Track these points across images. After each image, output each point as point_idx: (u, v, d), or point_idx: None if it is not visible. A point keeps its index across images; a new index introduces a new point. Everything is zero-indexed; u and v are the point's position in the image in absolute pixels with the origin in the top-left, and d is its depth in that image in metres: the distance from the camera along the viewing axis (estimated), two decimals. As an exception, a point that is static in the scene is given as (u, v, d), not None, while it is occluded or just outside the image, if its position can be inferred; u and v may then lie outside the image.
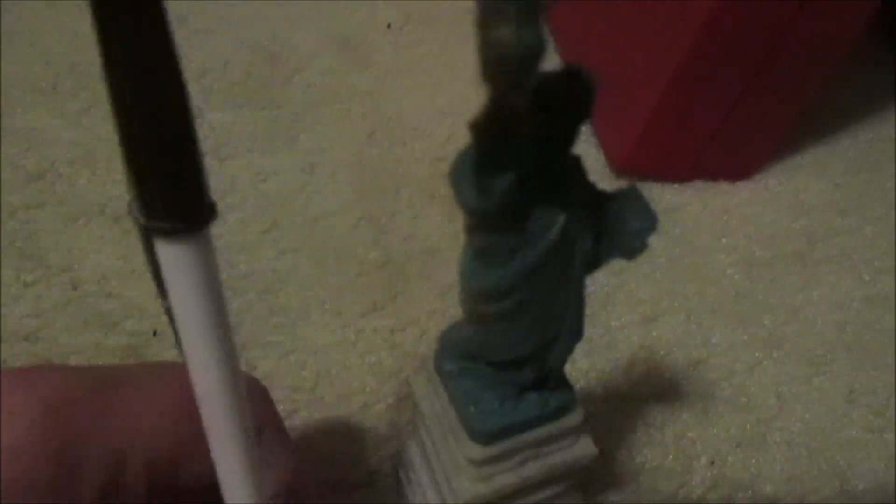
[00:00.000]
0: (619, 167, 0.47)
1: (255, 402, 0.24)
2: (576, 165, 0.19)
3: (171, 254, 0.15)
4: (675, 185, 0.48)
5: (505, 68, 0.13)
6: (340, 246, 0.42)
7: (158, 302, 0.39)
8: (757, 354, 0.41)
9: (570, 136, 0.17)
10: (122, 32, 0.12)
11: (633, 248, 0.20)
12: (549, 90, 0.16)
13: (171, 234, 0.14)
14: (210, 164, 0.45)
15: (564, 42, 0.55)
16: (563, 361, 0.23)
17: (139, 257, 0.41)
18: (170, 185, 0.14)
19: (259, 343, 0.38)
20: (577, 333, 0.22)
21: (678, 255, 0.44)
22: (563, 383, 0.25)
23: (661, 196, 0.47)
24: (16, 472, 0.17)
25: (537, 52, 0.13)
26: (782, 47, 0.42)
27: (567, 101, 0.16)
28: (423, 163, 0.47)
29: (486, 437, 0.24)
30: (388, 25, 0.56)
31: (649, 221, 0.19)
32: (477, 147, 0.16)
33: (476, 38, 0.13)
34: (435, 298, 0.41)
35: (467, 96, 0.52)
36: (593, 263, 0.20)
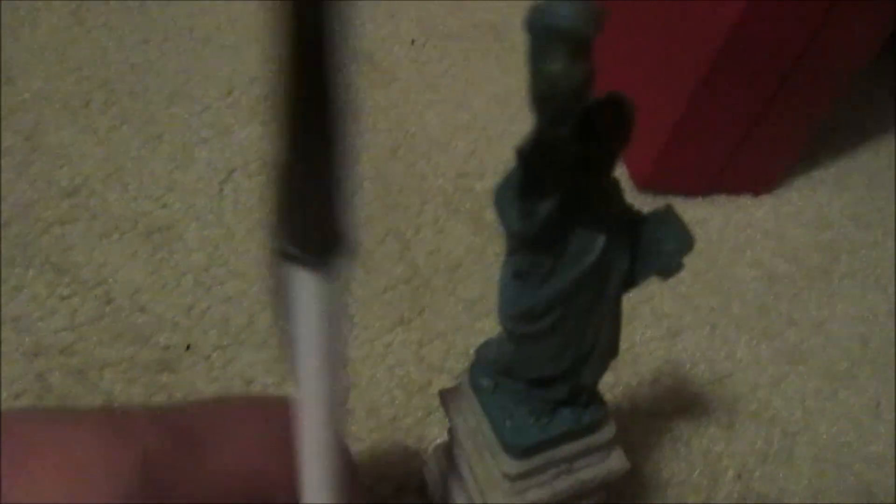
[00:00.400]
0: (641, 183, 0.48)
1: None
2: (614, 188, 0.19)
3: (306, 283, 0.15)
4: (698, 200, 0.49)
5: (554, 102, 0.14)
6: (367, 260, 0.43)
7: (189, 316, 0.40)
8: (782, 368, 0.41)
9: (610, 162, 0.18)
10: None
11: (668, 268, 0.20)
12: (591, 118, 0.16)
13: (310, 264, 0.14)
14: (239, 179, 0.46)
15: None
16: (598, 378, 0.23)
17: (170, 272, 0.42)
18: (319, 217, 0.14)
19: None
20: (612, 351, 0.22)
21: (702, 269, 0.44)
22: (596, 398, 0.25)
23: (683, 210, 0.47)
24: None
25: (586, 86, 0.14)
26: (803, 61, 0.42)
27: (608, 128, 0.17)
28: (447, 177, 0.48)
29: (521, 452, 0.24)
30: (412, 41, 0.56)
31: (685, 242, 0.20)
32: (522, 172, 0.16)
33: (528, 72, 0.14)
34: (460, 312, 0.41)
35: (489, 112, 0.53)
36: (629, 283, 0.21)
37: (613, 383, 0.39)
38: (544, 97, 0.14)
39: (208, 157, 0.47)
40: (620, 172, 0.50)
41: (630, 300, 0.42)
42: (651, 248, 0.20)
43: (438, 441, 0.35)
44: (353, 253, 0.15)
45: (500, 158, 0.49)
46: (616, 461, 0.27)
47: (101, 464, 0.17)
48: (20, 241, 0.41)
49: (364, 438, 0.36)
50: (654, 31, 0.47)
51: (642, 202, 0.48)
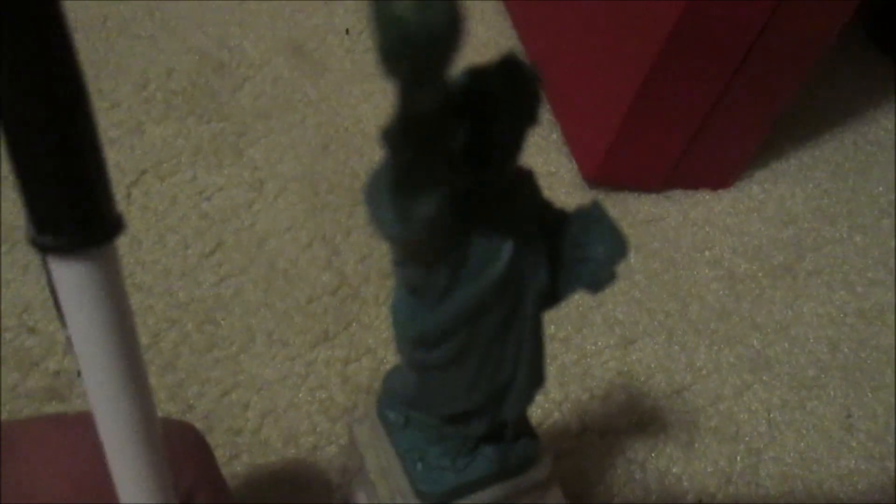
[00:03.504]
0: (591, 177, 0.44)
1: (189, 457, 0.21)
2: (526, 181, 0.15)
3: (64, 273, 0.13)
4: (653, 195, 0.45)
5: (408, 55, 0.10)
6: (290, 268, 0.39)
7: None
8: (745, 377, 0.37)
9: (514, 146, 0.14)
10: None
11: (598, 279, 0.16)
12: (482, 89, 0.12)
13: (64, 250, 0.13)
14: (150, 181, 0.42)
15: (530, 45, 0.52)
16: (521, 412, 0.19)
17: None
18: (61, 195, 0.12)
19: (198, 379, 0.35)
20: (536, 380, 0.18)
21: (657, 270, 0.41)
22: (526, 431, 0.21)
23: (637, 207, 0.44)
24: None
25: (447, 30, 0.10)
26: (757, 48, 0.39)
27: (506, 102, 0.13)
28: (382, 176, 0.44)
29: (434, 499, 0.20)
30: (347, 31, 0.52)
31: (617, 246, 0.16)
32: (392, 161, 0.12)
33: (368, 15, 0.10)
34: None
35: (430, 104, 0.49)
36: (551, 299, 0.17)
37: (561, 399, 0.35)
38: (393, 49, 0.10)
39: (116, 159, 0.42)
40: (569, 166, 0.46)
41: (578, 306, 0.39)
42: (576, 256, 0.16)
43: (358, 475, 0.31)
44: (117, 232, 0.13)
45: (439, 154, 0.45)
46: (553, 499, 0.23)
47: None
48: None
49: (280, 470, 0.32)
50: (602, 17, 0.43)
51: (592, 197, 0.44)
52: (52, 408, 0.33)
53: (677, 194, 0.45)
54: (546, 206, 0.16)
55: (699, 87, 0.41)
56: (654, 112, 0.41)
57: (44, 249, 0.13)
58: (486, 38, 0.54)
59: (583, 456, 0.34)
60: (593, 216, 0.16)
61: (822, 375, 0.38)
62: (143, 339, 0.35)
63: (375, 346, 0.36)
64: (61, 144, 0.12)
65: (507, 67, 0.13)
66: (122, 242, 0.39)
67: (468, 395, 0.18)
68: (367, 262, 0.39)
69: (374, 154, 0.45)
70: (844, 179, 0.48)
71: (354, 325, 0.37)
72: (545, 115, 0.48)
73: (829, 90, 0.54)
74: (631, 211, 0.44)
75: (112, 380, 0.15)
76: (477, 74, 0.12)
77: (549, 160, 0.46)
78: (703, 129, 0.42)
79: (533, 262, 0.16)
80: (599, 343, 0.38)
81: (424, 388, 0.18)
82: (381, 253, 0.40)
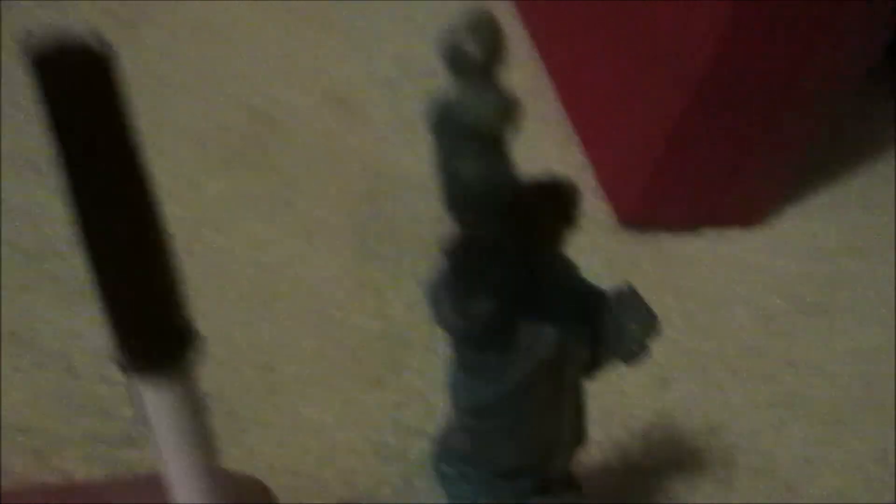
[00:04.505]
0: (626, 219, 0.46)
1: None
2: (566, 269, 0.17)
3: (145, 388, 0.14)
4: (685, 234, 0.47)
5: (470, 206, 0.12)
6: (341, 316, 0.41)
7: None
8: (781, 414, 0.39)
9: (556, 245, 0.16)
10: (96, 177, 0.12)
11: (633, 353, 0.18)
12: (529, 203, 0.15)
13: (144, 370, 0.14)
14: (207, 235, 0.45)
15: (564, 90, 0.54)
16: (567, 468, 0.21)
17: (136, 337, 0.40)
18: (143, 325, 0.14)
19: (259, 423, 0.37)
20: (578, 440, 0.20)
21: (692, 310, 0.42)
22: (571, 484, 0.23)
23: (670, 247, 0.46)
24: None
25: (504, 186, 0.12)
26: (787, 91, 0.41)
27: (549, 211, 0.15)
28: (425, 223, 0.46)
29: (489, 547, 0.22)
30: (386, 81, 0.55)
31: (649, 324, 0.18)
32: (451, 272, 0.15)
33: (436, 174, 0.12)
34: (441, 369, 0.39)
35: (468, 151, 0.51)
36: (592, 369, 0.19)
37: (602, 439, 0.37)
38: (458, 203, 0.12)
39: (176, 213, 0.45)
40: (602, 208, 0.48)
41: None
42: (613, 332, 0.18)
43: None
44: (196, 348, 0.14)
45: (478, 201, 0.47)
46: (598, 544, 0.25)
47: None
48: (-21, 310, 0.40)
49: (339, 512, 0.34)
50: (637, 60, 0.45)
51: (626, 238, 0.46)
52: (126, 453, 0.36)
53: (709, 233, 0.47)
54: (585, 287, 0.18)
55: (733, 127, 0.42)
56: (688, 155, 0.43)
57: (126, 370, 0.14)
58: (518, 81, 0.56)
59: (625, 494, 0.35)
60: (627, 296, 0.18)
61: (858, 412, 0.39)
62: (207, 387, 0.38)
63: (425, 391, 0.38)
64: (143, 280, 0.13)
65: (551, 186, 0.15)
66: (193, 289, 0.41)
67: (517, 455, 0.20)
68: (415, 310, 0.42)
69: (418, 203, 0.47)
70: (873, 214, 0.49)
71: (404, 370, 0.39)
72: (579, 158, 0.50)
73: (858, 125, 0.55)
74: (664, 251, 0.45)
75: (189, 476, 0.16)
76: (526, 192, 0.15)
77: (584, 203, 0.48)
78: (736, 168, 0.44)
79: (575, 340, 0.18)
80: (637, 383, 0.39)
81: (477, 448, 0.20)
82: (427, 299, 0.42)
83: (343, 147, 0.50)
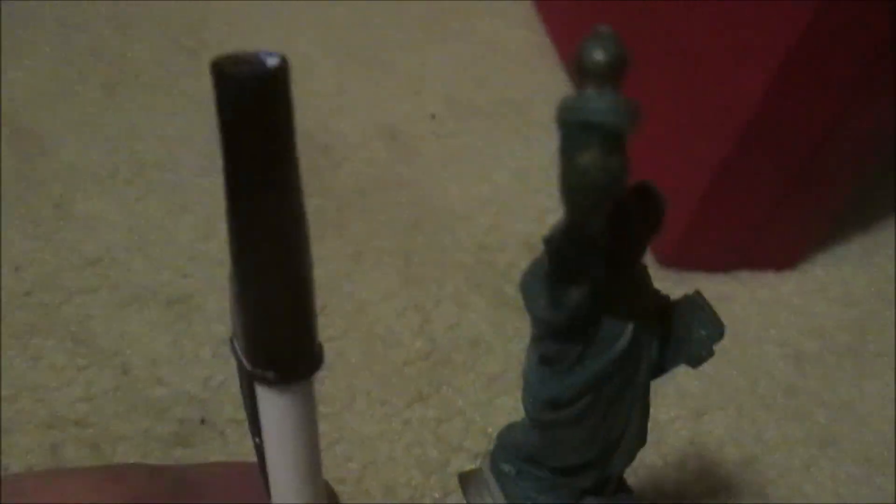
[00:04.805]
0: (664, 260, 0.47)
1: None
2: (643, 275, 0.19)
3: (272, 402, 0.14)
4: (720, 276, 0.48)
5: (587, 196, 0.14)
6: (386, 334, 0.43)
7: (206, 389, 0.39)
8: (813, 452, 0.39)
9: (641, 249, 0.18)
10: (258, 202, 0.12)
11: (699, 356, 0.20)
12: (623, 206, 0.16)
13: (275, 383, 0.14)
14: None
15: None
16: (626, 467, 0.23)
17: (188, 343, 0.41)
18: (282, 338, 0.14)
19: (305, 432, 0.38)
20: (640, 440, 0.22)
21: (727, 347, 0.43)
22: (624, 487, 0.24)
23: (706, 286, 0.46)
24: None
25: (620, 180, 0.13)
26: (830, 141, 0.42)
27: (639, 216, 0.17)
28: (468, 251, 0.48)
29: (544, 543, 0.23)
30: (433, 116, 0.57)
31: (716, 329, 0.20)
32: (552, 262, 0.16)
33: (559, 164, 0.14)
34: (480, 389, 0.41)
35: (511, 186, 0.53)
36: (658, 370, 0.20)
37: (637, 465, 0.38)
38: (576, 191, 0.13)
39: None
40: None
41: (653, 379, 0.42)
42: (680, 336, 0.20)
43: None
44: (318, 367, 0.14)
45: (521, 232, 0.49)
46: (644, 553, 0.26)
47: (92, 497, 0.18)
48: (42, 309, 0.42)
49: (381, 520, 0.35)
50: (678, 107, 0.47)
51: (665, 278, 0.47)
52: (179, 452, 0.37)
53: (744, 275, 0.48)
54: (657, 294, 0.20)
55: (772, 174, 0.44)
56: (728, 201, 0.44)
57: (259, 381, 0.14)
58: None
59: (658, 520, 0.36)
60: (697, 303, 0.20)
61: (887, 452, 0.40)
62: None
63: (465, 408, 0.39)
64: (291, 292, 0.14)
65: (643, 191, 0.16)
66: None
67: (584, 450, 0.21)
68: (456, 331, 0.43)
69: (461, 231, 0.49)
70: (906, 265, 0.50)
71: (445, 387, 0.40)
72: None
73: (888, 176, 0.57)
74: (700, 291, 0.47)
75: (295, 491, 0.16)
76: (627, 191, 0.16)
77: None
78: (774, 215, 0.45)
79: (648, 339, 0.19)
80: (672, 413, 0.40)
81: (545, 444, 0.21)
82: (469, 323, 0.44)
83: (392, 177, 0.52)
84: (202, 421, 0.38)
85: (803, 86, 0.39)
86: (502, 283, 0.46)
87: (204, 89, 0.58)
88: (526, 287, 0.17)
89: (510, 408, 0.40)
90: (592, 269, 0.16)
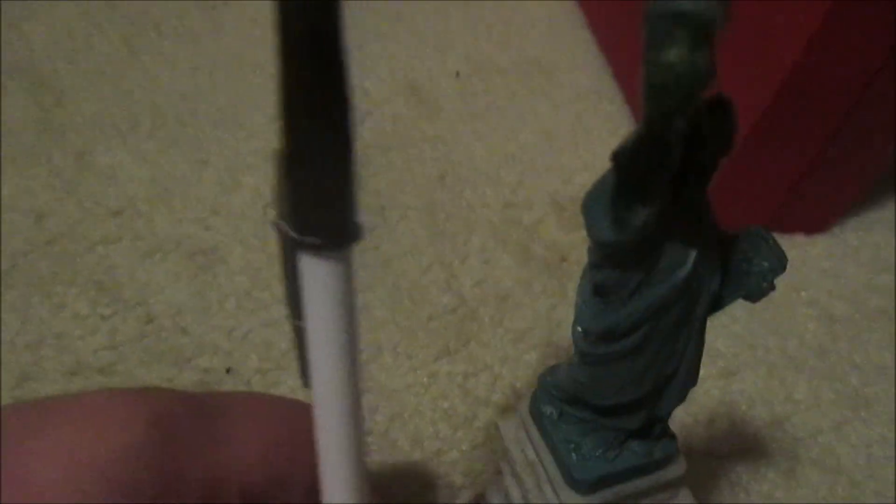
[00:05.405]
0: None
1: None
2: (706, 204, 0.18)
3: (317, 270, 0.15)
4: (750, 237, 0.47)
5: (672, 93, 0.13)
6: (412, 288, 0.42)
7: (230, 340, 0.39)
8: (844, 413, 0.39)
9: (711, 170, 0.17)
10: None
11: (760, 289, 0.19)
12: (697, 120, 0.16)
13: (321, 250, 0.15)
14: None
15: (631, 92, 0.55)
16: (674, 408, 0.22)
17: (212, 294, 0.41)
18: (327, 203, 0.14)
19: (330, 384, 0.38)
20: (692, 379, 0.21)
21: (757, 307, 0.42)
22: (668, 432, 0.24)
23: (735, 247, 0.46)
24: (122, 476, 0.17)
25: (706, 77, 0.13)
26: (864, 103, 0.41)
27: (711, 132, 0.16)
28: (494, 208, 0.47)
29: (587, 486, 0.23)
30: (457, 74, 0.56)
31: (778, 261, 0.19)
32: (619, 176, 0.15)
33: (643, 60, 0.13)
34: (507, 344, 0.40)
35: (536, 145, 0.52)
36: (716, 305, 0.20)
37: (667, 423, 0.38)
38: (661, 87, 0.13)
39: (254, 183, 0.47)
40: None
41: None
42: (741, 268, 0.19)
43: (490, 475, 0.34)
44: (361, 237, 0.15)
45: (547, 191, 0.48)
46: (684, 499, 0.25)
47: (114, 414, 0.18)
48: (65, 258, 0.41)
49: (407, 470, 0.35)
50: (717, 58, 0.46)
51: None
52: (204, 401, 0.37)
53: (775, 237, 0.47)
54: (718, 226, 0.19)
55: (805, 137, 0.43)
56: (760, 161, 0.43)
57: (305, 248, 0.15)
58: (583, 83, 0.57)
59: (688, 477, 0.36)
60: (760, 235, 0.19)
61: (921, 415, 0.39)
62: (284, 345, 0.39)
63: (492, 363, 0.39)
64: (338, 166, 0.14)
65: (716, 104, 0.16)
66: (261, 258, 0.43)
67: (636, 385, 0.20)
68: (483, 286, 0.42)
69: (486, 188, 0.48)
70: (939, 230, 0.49)
71: (472, 343, 0.40)
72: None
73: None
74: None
75: (338, 365, 0.16)
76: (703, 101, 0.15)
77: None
78: (806, 177, 0.44)
79: (710, 269, 0.18)
80: (703, 373, 0.39)
81: (595, 381, 0.21)
82: (495, 279, 0.43)
83: (416, 133, 0.51)
84: (228, 370, 0.38)
85: (840, 43, 0.38)
86: (529, 240, 0.45)
87: (223, 43, 0.57)
88: (588, 208, 0.16)
89: (537, 363, 0.39)
90: (663, 188, 0.16)
